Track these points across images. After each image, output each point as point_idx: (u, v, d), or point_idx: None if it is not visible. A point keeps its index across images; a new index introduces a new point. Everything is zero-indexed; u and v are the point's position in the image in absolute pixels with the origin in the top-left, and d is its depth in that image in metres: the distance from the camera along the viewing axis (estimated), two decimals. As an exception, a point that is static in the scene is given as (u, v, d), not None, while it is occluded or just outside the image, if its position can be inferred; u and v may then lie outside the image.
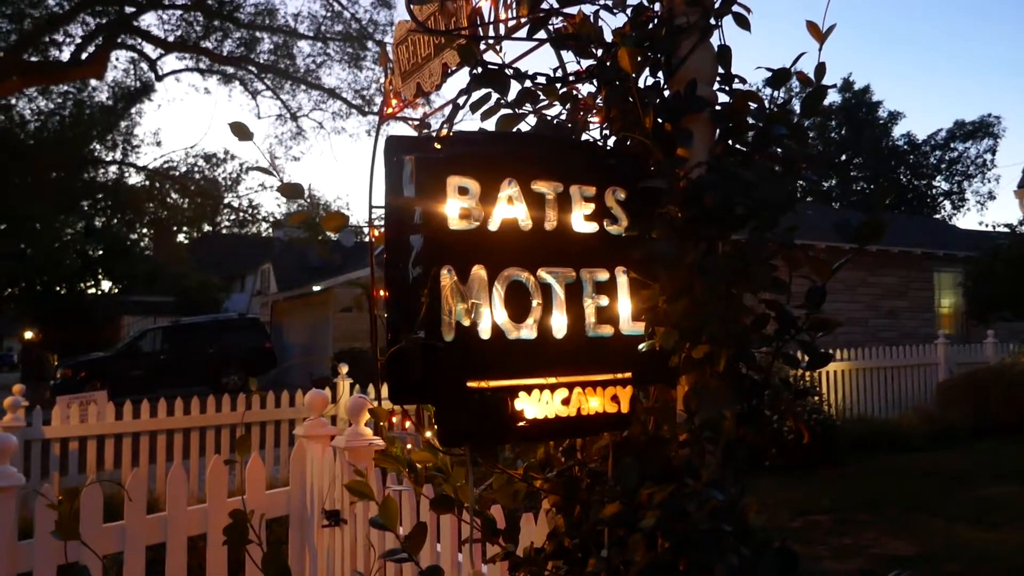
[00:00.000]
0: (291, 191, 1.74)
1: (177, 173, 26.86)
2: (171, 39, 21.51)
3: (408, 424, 1.75)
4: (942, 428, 9.72)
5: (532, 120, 1.62)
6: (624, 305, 1.47)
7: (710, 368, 1.37)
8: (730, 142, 1.55)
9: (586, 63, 1.60)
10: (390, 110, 2.09)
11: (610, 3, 1.56)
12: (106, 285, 30.95)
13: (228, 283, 36.06)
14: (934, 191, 40.04)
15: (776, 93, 1.55)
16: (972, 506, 6.54)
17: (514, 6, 1.64)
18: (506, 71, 1.59)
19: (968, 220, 76.77)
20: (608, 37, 1.58)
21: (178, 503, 2.99)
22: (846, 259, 1.41)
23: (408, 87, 2.02)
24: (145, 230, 33.20)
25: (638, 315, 1.47)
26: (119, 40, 20.80)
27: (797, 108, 1.57)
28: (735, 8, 1.52)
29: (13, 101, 21.35)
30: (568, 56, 1.63)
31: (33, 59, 19.48)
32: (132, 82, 23.51)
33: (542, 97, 1.62)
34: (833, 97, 36.47)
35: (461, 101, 1.60)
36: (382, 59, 2.19)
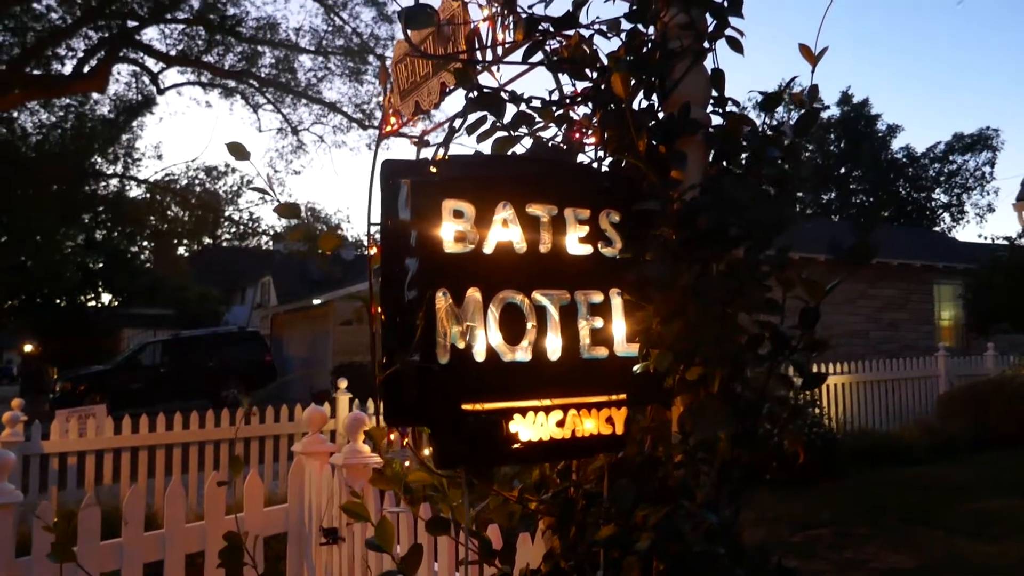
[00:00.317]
0: (288, 211, 1.75)
1: (178, 186, 26.88)
2: (173, 53, 21.59)
3: (406, 441, 1.75)
4: (943, 441, 9.69)
5: (528, 142, 1.63)
6: (618, 327, 1.48)
7: (704, 389, 1.38)
8: (724, 164, 1.56)
9: (581, 85, 1.62)
10: (389, 128, 2.10)
11: (604, 28, 1.58)
12: (106, 298, 31.04)
13: (228, 296, 36.03)
14: (933, 204, 40.06)
15: (767, 119, 1.56)
16: (972, 519, 6.52)
17: (511, 28, 1.66)
18: (502, 94, 1.60)
19: (967, 233, 76.86)
20: (603, 60, 1.59)
21: (176, 521, 2.99)
22: (839, 280, 1.41)
23: (407, 105, 2.03)
24: (145, 243, 33.25)
25: (632, 337, 1.47)
26: (121, 54, 20.87)
27: (792, 122, 1.58)
28: (728, 32, 1.54)
29: (15, 114, 21.40)
30: (563, 77, 1.64)
31: (35, 72, 19.55)
32: (134, 95, 23.57)
33: (538, 119, 1.63)
34: (832, 110, 36.56)
35: (457, 124, 1.61)
36: (381, 76, 2.20)
